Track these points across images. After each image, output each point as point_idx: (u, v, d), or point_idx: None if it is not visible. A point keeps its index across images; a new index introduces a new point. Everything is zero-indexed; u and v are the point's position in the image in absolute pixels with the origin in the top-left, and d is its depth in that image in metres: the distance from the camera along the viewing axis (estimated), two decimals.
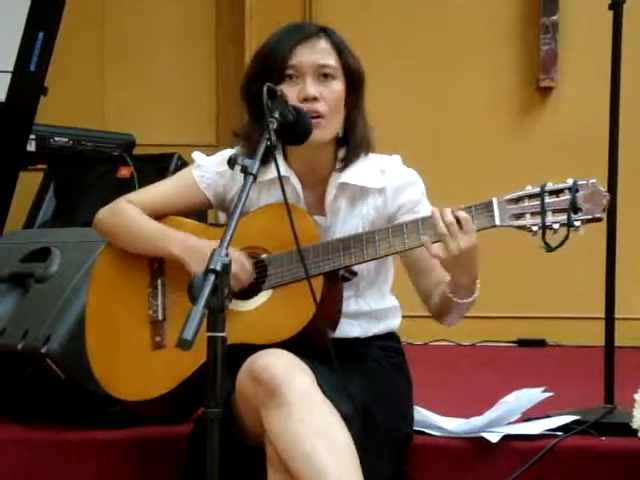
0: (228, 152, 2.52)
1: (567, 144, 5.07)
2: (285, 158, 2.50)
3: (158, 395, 2.44)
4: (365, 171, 2.50)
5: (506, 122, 5.17)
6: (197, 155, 2.60)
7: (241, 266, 2.38)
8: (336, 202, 2.50)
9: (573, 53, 5.10)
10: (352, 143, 2.48)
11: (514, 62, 5.16)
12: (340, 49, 2.47)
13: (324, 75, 2.43)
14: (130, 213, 2.55)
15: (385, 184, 2.50)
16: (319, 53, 2.44)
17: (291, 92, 2.40)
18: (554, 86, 5.11)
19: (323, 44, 2.45)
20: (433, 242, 2.30)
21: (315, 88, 2.42)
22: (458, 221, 2.26)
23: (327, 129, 2.44)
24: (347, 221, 2.50)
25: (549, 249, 2.22)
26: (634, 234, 4.40)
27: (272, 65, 2.43)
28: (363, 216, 2.50)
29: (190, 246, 2.43)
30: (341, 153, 2.49)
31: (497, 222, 2.26)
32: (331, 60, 2.45)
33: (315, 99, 2.41)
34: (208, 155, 2.60)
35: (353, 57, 2.49)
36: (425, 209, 2.47)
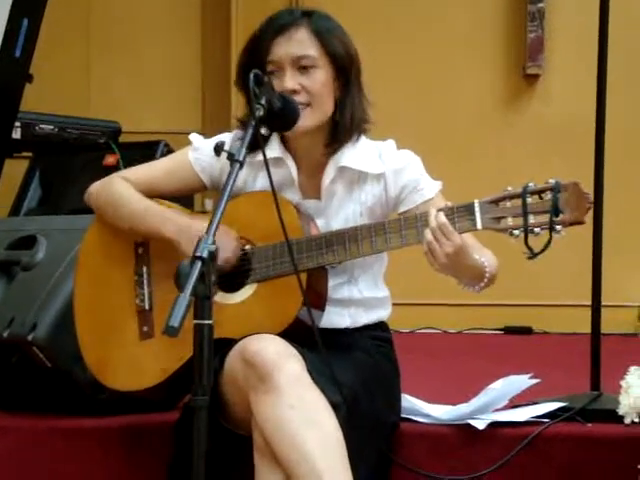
0: (226, 136, 2.51)
1: (554, 131, 5.08)
2: (283, 140, 2.49)
3: (148, 387, 2.45)
4: (364, 156, 2.49)
5: (492, 109, 5.17)
6: (194, 137, 2.57)
7: (233, 252, 2.37)
8: (332, 185, 2.48)
9: (560, 40, 5.10)
10: (340, 126, 2.46)
11: (500, 49, 5.16)
12: (322, 36, 2.43)
13: (303, 66, 2.42)
14: (122, 190, 2.53)
15: (383, 169, 2.49)
16: (296, 45, 2.41)
17: (275, 86, 2.38)
18: (540, 73, 5.11)
19: (301, 34, 2.42)
20: (416, 243, 2.30)
21: (294, 80, 2.40)
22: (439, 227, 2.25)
23: (310, 118, 2.42)
24: (344, 206, 2.49)
25: (531, 255, 2.22)
26: (620, 221, 4.40)
27: (255, 61, 2.41)
28: (361, 202, 2.49)
29: (183, 227, 2.40)
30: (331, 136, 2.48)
31: (479, 226, 2.26)
32: (310, 50, 2.42)
33: (294, 92, 2.40)
34: (205, 138, 2.57)
35: (340, 42, 2.45)
36: (429, 185, 2.48)
